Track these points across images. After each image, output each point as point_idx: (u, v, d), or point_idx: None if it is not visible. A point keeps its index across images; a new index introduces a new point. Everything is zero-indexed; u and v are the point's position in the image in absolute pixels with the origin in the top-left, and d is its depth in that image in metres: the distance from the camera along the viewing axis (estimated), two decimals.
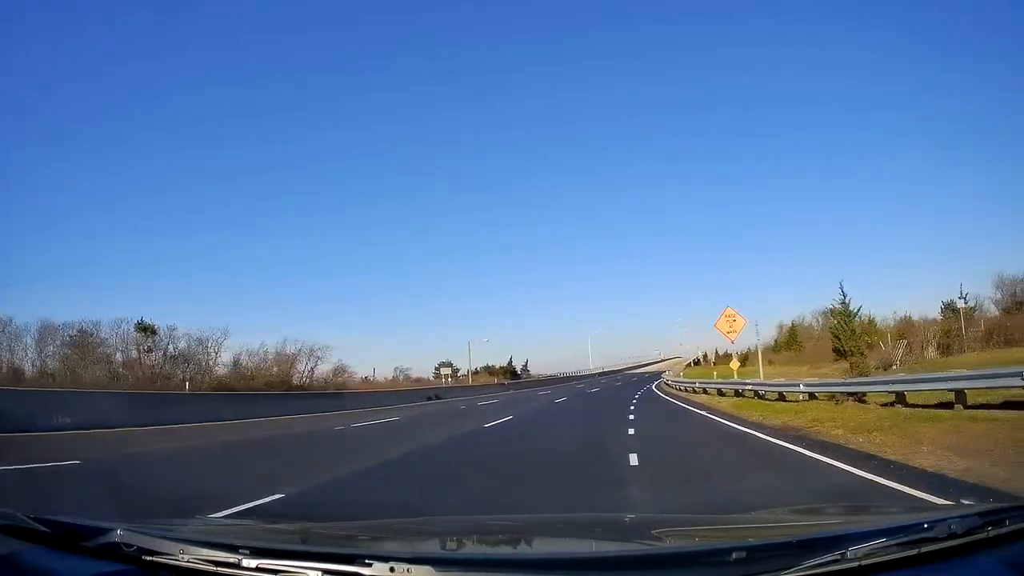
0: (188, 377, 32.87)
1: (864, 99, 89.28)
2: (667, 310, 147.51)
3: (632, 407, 19.97)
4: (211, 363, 36.25)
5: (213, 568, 1.45)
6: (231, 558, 1.45)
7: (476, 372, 63.71)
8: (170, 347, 34.76)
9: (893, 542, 1.38)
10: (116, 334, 33.58)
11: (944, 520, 1.43)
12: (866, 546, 1.35)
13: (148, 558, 1.50)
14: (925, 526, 1.42)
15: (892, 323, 40.64)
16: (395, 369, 60.11)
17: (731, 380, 26.28)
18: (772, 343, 51.66)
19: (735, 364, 28.52)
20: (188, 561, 1.48)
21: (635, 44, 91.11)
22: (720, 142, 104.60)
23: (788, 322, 55.22)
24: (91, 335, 32.79)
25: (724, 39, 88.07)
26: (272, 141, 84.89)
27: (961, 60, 72.49)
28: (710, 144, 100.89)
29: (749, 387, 21.77)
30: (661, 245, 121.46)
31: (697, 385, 30.86)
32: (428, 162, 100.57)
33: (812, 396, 16.76)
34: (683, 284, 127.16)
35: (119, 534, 1.54)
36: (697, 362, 76.18)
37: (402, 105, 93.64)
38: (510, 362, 77.08)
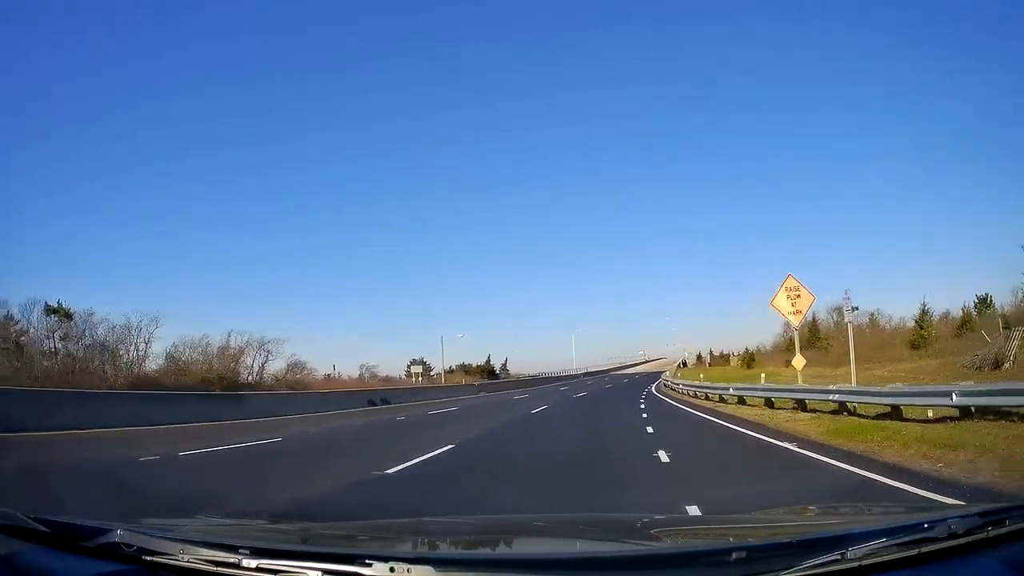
0: (103, 371, 28.89)
1: (864, 100, 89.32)
2: (659, 310, 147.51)
3: (649, 429, 13.35)
4: (138, 354, 32.10)
5: (213, 568, 1.46)
6: (231, 558, 1.45)
7: (451, 371, 58.69)
8: (86, 334, 30.42)
9: (893, 542, 1.38)
10: (26, 319, 29.34)
11: (944, 520, 1.43)
12: (866, 546, 1.35)
13: (148, 558, 1.51)
14: (925, 526, 1.42)
15: (937, 317, 37.83)
16: (361, 366, 52.85)
17: (791, 386, 17.72)
18: (782, 342, 50.39)
19: (800, 362, 18.70)
20: (188, 561, 1.48)
21: (635, 44, 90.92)
22: (720, 142, 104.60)
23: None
24: (16, 321, 28.87)
25: (724, 39, 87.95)
26: (272, 141, 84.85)
27: (964, 60, 72.50)
28: (710, 144, 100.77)
29: (834, 397, 14.04)
30: (660, 245, 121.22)
31: (731, 391, 22.06)
32: (428, 162, 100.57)
33: (967, 413, 10.02)
34: (680, 285, 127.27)
35: (119, 534, 1.54)
36: (685, 363, 73.76)
37: (402, 105, 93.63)
38: (488, 361, 71.09)
